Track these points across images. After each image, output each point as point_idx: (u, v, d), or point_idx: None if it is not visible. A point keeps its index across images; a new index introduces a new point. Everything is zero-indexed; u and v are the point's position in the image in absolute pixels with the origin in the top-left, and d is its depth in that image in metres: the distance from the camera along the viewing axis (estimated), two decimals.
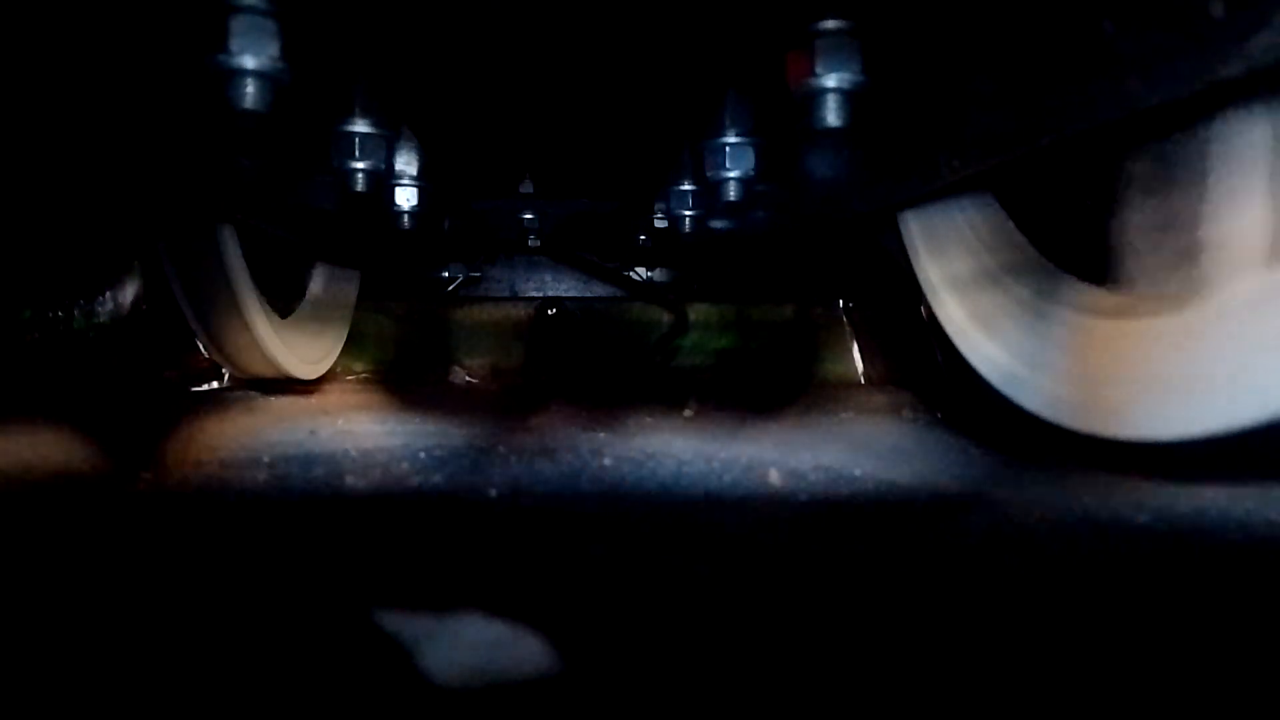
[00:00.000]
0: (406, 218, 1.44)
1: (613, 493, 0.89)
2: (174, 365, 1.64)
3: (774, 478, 0.95)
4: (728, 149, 1.28)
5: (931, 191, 1.14)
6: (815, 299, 2.09)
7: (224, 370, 1.67)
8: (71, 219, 1.40)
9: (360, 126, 1.19)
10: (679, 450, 1.08)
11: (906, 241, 1.34)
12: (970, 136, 0.89)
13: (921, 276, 1.31)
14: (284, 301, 1.75)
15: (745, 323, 2.14)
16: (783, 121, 1.19)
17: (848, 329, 2.06)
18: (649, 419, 1.34)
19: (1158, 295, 0.91)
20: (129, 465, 0.98)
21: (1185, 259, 0.87)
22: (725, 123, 1.28)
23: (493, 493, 0.88)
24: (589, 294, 2.20)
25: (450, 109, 1.28)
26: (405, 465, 0.98)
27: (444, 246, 2.02)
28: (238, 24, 0.86)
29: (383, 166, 1.22)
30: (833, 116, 1.03)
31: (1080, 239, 1.10)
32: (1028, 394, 1.09)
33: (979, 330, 1.20)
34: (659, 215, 1.67)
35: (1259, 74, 0.56)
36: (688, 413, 1.40)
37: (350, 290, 2.04)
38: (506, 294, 2.21)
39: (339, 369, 1.99)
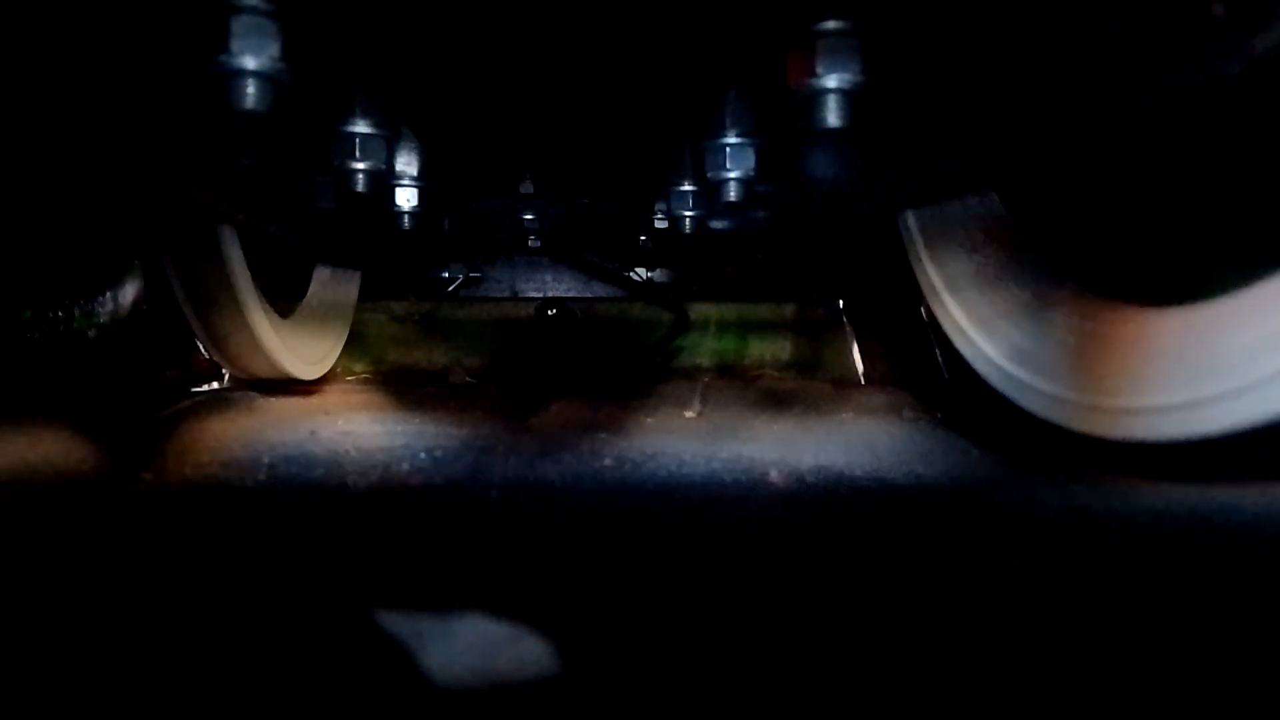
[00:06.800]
0: (406, 218, 1.44)
1: (614, 493, 0.89)
2: (174, 365, 1.64)
3: (775, 478, 0.95)
4: (728, 149, 1.27)
5: (932, 192, 1.14)
6: (816, 299, 2.09)
7: (224, 370, 1.67)
8: (71, 219, 1.40)
9: (360, 127, 1.19)
10: (680, 450, 1.08)
11: (907, 242, 1.34)
12: (971, 136, 0.88)
13: (922, 277, 1.31)
14: (284, 301, 1.75)
15: (746, 323, 2.14)
16: (783, 121, 1.18)
17: (848, 329, 2.06)
18: (649, 419, 1.33)
19: (1157, 297, 0.91)
20: (130, 465, 0.98)
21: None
22: (726, 123, 1.28)
23: (493, 493, 0.88)
24: (589, 294, 2.20)
25: (450, 109, 1.28)
26: (406, 466, 0.98)
27: (444, 246, 2.02)
28: (238, 25, 0.86)
29: (383, 166, 1.22)
30: (833, 117, 1.03)
31: (1080, 241, 1.10)
32: (1027, 395, 1.09)
33: (979, 331, 1.20)
34: (659, 215, 1.67)
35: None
36: (689, 413, 1.40)
37: (351, 290, 2.04)
38: (507, 294, 2.21)
39: (339, 369, 1.98)
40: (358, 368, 2.05)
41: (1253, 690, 0.48)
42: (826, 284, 2.08)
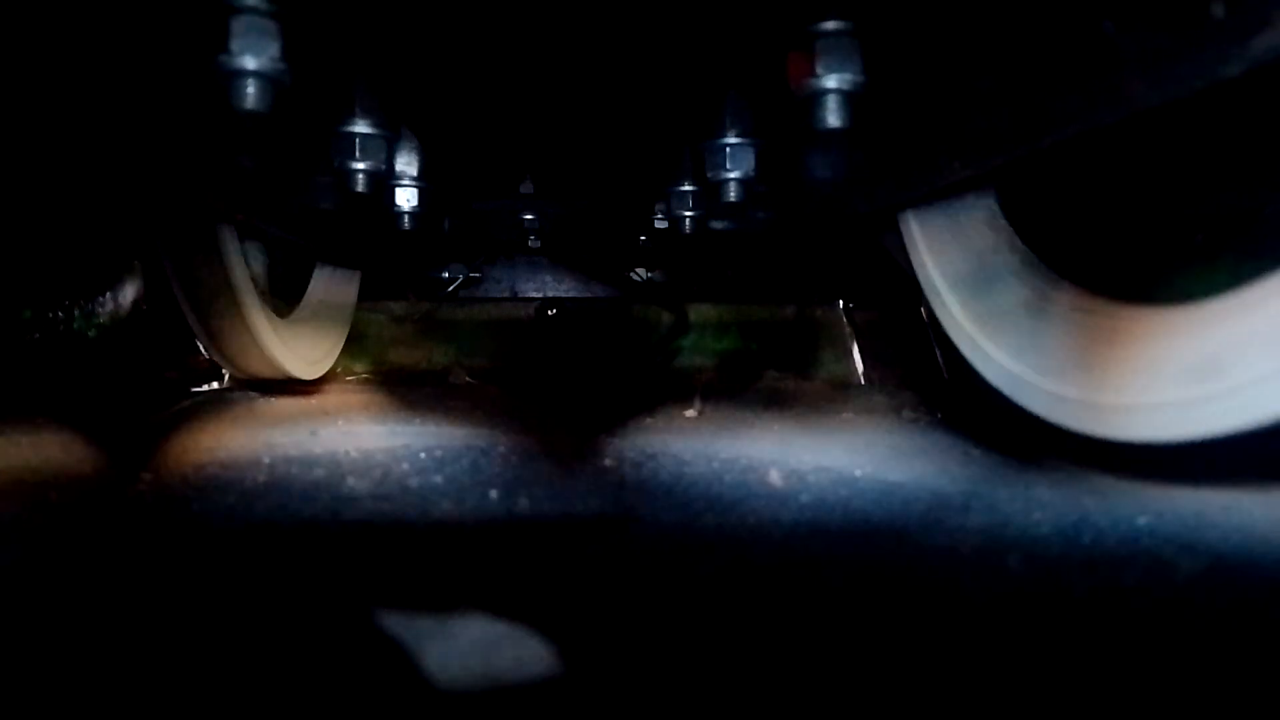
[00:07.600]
0: (406, 218, 1.44)
1: (614, 493, 0.89)
2: (174, 365, 1.64)
3: (774, 478, 0.95)
4: (728, 150, 1.28)
5: (932, 192, 1.14)
6: (816, 299, 2.10)
7: (224, 370, 1.67)
8: (71, 219, 1.40)
9: (360, 127, 1.19)
10: (680, 450, 1.08)
11: (907, 242, 1.34)
12: (971, 137, 0.89)
13: (922, 277, 1.31)
14: (284, 301, 1.75)
15: (746, 323, 2.14)
16: (784, 122, 1.19)
17: (848, 329, 2.06)
18: (650, 419, 1.33)
19: (1157, 296, 0.91)
20: (129, 466, 0.98)
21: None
22: (726, 123, 1.28)
23: (493, 494, 0.88)
24: (589, 294, 2.20)
25: (450, 110, 1.28)
26: (406, 466, 0.98)
27: (444, 247, 2.02)
28: (238, 25, 0.86)
29: (383, 167, 1.22)
30: (833, 117, 1.03)
31: (1080, 240, 1.10)
32: (1028, 395, 1.08)
33: (979, 331, 1.20)
34: (659, 216, 1.67)
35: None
36: (689, 413, 1.40)
37: (350, 290, 2.04)
38: (506, 294, 2.21)
39: (339, 369, 1.98)
40: (358, 368, 2.05)
41: (1254, 699, 0.48)
42: (827, 284, 2.08)
